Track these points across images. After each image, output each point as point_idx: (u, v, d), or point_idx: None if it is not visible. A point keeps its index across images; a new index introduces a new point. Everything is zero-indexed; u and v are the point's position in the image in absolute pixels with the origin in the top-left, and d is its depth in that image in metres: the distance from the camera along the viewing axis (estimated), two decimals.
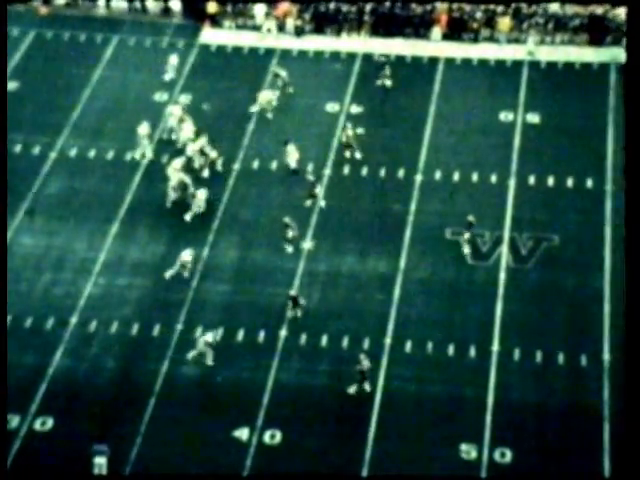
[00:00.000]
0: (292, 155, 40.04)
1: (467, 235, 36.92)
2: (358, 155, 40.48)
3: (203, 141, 40.15)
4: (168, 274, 36.01)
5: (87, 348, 34.32)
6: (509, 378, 33.20)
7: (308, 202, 38.90)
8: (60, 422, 32.14)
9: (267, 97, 42.90)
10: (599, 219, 38.14)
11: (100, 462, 30.38)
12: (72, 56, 46.62)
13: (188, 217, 38.38)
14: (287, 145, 40.05)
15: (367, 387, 32.75)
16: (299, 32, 47.74)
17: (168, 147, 41.33)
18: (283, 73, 44.16)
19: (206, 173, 40.02)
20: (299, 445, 31.51)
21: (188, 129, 40.87)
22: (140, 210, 39.12)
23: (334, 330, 34.63)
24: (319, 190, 39.04)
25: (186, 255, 36.00)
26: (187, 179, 38.63)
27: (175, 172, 38.71)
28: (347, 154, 40.59)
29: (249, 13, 48.53)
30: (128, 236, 38.20)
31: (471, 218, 36.90)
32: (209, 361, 33.42)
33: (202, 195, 38.28)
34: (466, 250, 36.87)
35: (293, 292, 34.93)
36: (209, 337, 33.39)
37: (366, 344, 34.08)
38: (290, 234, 36.91)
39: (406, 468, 30.68)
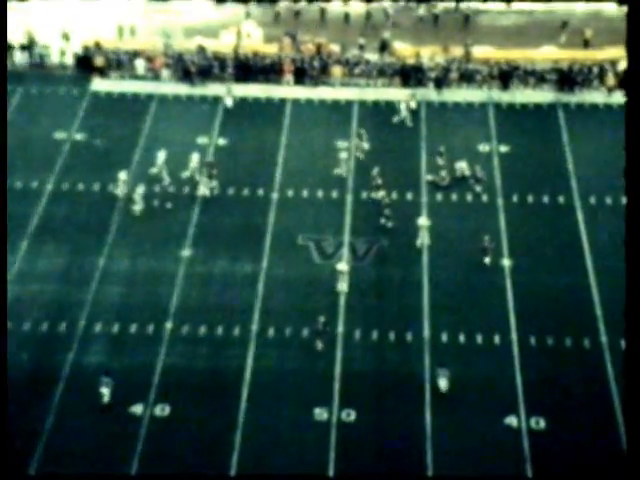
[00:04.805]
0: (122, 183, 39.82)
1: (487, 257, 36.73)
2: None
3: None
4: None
5: None
6: (352, 353, 33.25)
7: (383, 221, 38.24)
8: None
9: None
10: (416, 224, 38.38)
11: (105, 392, 30.71)
12: None
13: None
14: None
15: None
16: (192, 80, 47.07)
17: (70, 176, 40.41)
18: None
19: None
20: (185, 416, 31.02)
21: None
22: (45, 229, 38.13)
23: (210, 321, 34.24)
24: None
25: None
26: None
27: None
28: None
29: (131, 66, 47.79)
30: (37, 250, 37.18)
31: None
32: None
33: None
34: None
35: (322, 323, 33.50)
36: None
37: (237, 331, 33.82)
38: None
39: (270, 430, 30.53)
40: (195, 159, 40.76)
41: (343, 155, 41.48)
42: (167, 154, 41.02)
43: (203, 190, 39.88)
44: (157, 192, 39.98)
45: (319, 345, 33.29)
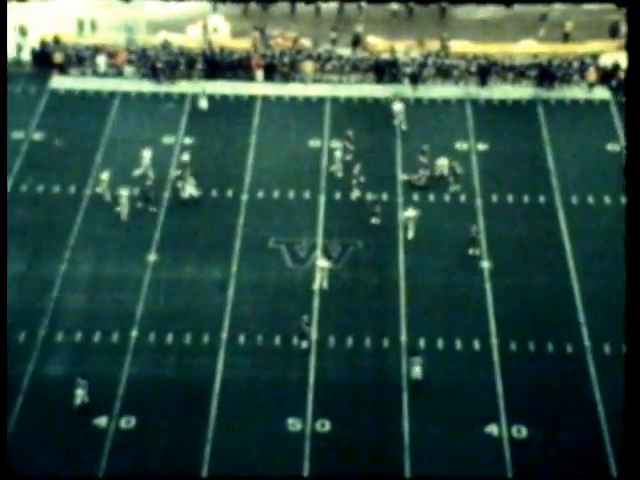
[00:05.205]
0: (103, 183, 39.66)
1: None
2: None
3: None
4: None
5: None
6: (326, 361, 33.23)
7: (373, 219, 38.49)
8: None
9: None
10: (393, 225, 38.51)
11: (80, 393, 30.85)
12: None
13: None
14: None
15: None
16: (158, 79, 46.88)
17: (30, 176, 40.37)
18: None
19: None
20: (152, 428, 30.90)
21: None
22: None
23: (178, 328, 34.13)
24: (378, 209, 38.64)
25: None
26: None
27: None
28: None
29: (92, 62, 47.54)
30: None
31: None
32: None
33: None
34: None
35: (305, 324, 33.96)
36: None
37: (206, 339, 33.73)
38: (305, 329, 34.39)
39: (242, 442, 30.45)
40: (182, 159, 40.77)
41: (338, 154, 41.32)
42: (150, 154, 40.99)
43: (190, 190, 39.76)
44: (122, 194, 39.74)
45: (303, 344, 33.40)
